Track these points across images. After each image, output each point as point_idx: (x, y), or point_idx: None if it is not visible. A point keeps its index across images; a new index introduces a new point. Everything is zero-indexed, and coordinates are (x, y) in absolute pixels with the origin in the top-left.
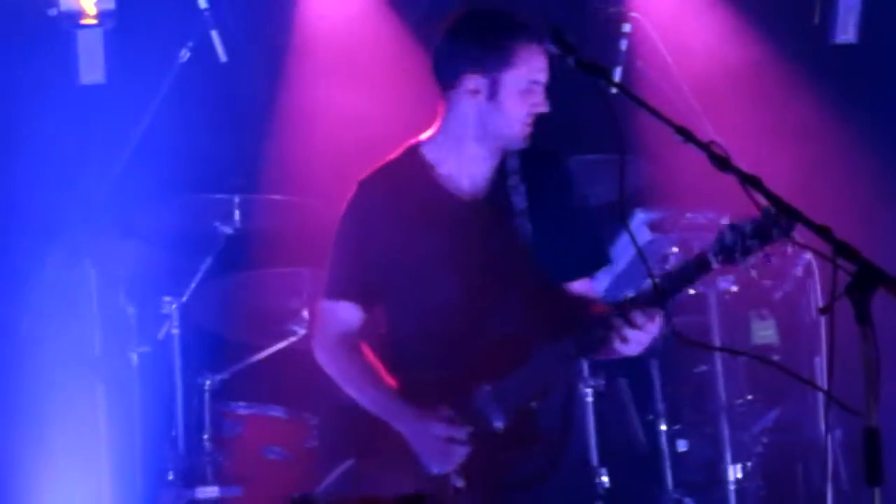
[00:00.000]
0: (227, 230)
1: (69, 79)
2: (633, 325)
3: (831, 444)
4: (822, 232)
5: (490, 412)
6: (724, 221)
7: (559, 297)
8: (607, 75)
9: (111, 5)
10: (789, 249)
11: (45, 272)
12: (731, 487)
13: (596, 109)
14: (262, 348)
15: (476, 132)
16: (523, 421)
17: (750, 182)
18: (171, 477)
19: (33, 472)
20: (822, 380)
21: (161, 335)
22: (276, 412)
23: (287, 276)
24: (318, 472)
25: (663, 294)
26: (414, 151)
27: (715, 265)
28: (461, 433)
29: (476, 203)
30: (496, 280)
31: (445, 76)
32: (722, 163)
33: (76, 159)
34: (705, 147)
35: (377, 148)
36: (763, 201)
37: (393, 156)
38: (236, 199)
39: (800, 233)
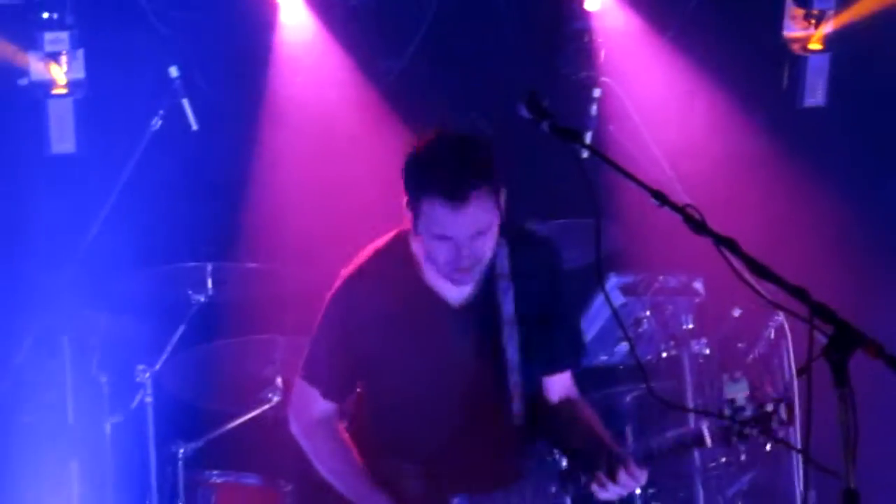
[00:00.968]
0: (200, 298)
1: (40, 148)
2: (616, 482)
3: None
4: (798, 293)
5: None
6: (700, 288)
7: (546, 417)
8: (581, 140)
9: (81, 74)
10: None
11: (22, 345)
12: None
13: (568, 174)
14: (235, 416)
15: None
16: None
17: (726, 245)
18: None
19: None
20: (796, 440)
21: (134, 404)
22: (251, 480)
23: (261, 343)
24: None
25: (649, 457)
26: (402, 242)
27: (709, 444)
28: None
29: (463, 310)
30: (479, 393)
31: None
32: (698, 226)
33: (47, 229)
34: (681, 210)
35: (351, 215)
36: (738, 264)
37: (381, 243)
38: (209, 268)
39: (775, 293)
